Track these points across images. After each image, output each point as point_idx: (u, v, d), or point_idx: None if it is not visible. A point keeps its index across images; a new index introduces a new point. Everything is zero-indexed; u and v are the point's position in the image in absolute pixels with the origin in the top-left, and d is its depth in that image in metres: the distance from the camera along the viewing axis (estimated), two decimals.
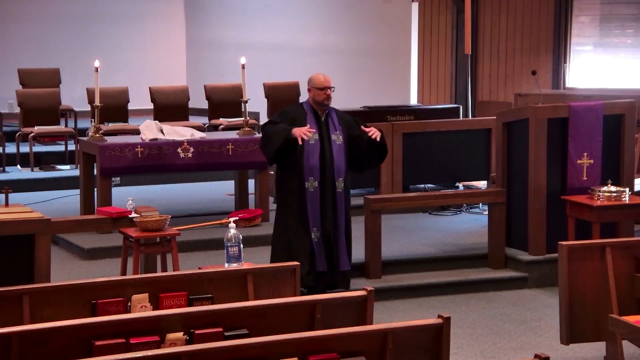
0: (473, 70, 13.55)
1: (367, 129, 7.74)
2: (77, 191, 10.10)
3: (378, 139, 7.70)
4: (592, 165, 8.67)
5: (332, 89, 7.85)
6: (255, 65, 13.24)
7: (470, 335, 7.43)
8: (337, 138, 7.79)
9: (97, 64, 9.62)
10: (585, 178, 8.63)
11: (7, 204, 7.56)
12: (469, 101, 12.80)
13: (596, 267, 6.64)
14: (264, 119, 13.11)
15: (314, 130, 7.71)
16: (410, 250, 9.05)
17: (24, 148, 12.35)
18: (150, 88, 13.11)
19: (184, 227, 9.07)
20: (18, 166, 12.39)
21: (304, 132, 7.56)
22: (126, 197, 8.27)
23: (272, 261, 7.76)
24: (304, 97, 13.95)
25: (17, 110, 12.90)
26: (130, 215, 7.65)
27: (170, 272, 7.10)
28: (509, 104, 12.79)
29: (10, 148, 12.48)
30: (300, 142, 7.56)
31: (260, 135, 7.95)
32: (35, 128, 12.30)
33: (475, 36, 13.59)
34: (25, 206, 7.63)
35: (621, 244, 6.78)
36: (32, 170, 12.22)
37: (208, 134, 10.58)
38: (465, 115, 12.41)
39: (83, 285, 5.72)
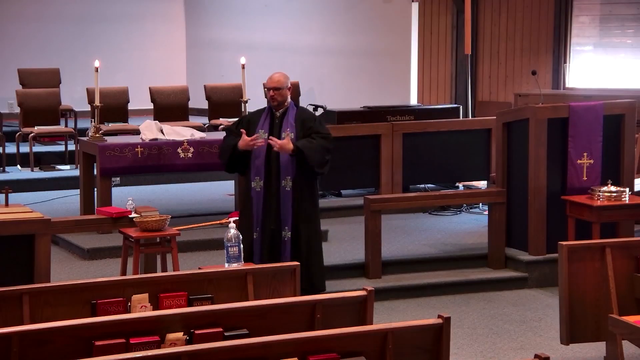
0: (473, 70, 13.54)
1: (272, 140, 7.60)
2: (77, 191, 10.09)
3: (275, 148, 7.57)
4: (592, 165, 8.67)
5: (287, 88, 7.68)
6: (255, 65, 13.23)
7: (470, 335, 7.43)
8: (287, 137, 7.65)
9: (97, 64, 9.62)
10: (585, 178, 8.63)
11: (7, 204, 7.56)
12: (469, 101, 12.78)
13: (596, 267, 6.64)
14: None
15: (265, 135, 7.66)
16: (410, 250, 9.04)
17: (24, 148, 12.34)
18: (150, 88, 13.10)
19: (184, 227, 9.07)
20: (18, 166, 12.38)
21: (248, 143, 7.61)
22: (126, 197, 8.26)
23: None
24: (303, 97, 14.04)
25: (17, 110, 12.89)
26: (130, 215, 7.65)
27: (170, 272, 7.09)
28: (509, 104, 12.78)
29: (10, 148, 12.47)
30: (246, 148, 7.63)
31: None
32: (35, 128, 12.30)
33: (475, 36, 13.58)
34: (25, 206, 7.63)
35: (621, 244, 6.78)
36: (32, 170, 12.20)
37: (208, 134, 10.57)
38: (465, 115, 12.39)
39: (83, 285, 5.73)
